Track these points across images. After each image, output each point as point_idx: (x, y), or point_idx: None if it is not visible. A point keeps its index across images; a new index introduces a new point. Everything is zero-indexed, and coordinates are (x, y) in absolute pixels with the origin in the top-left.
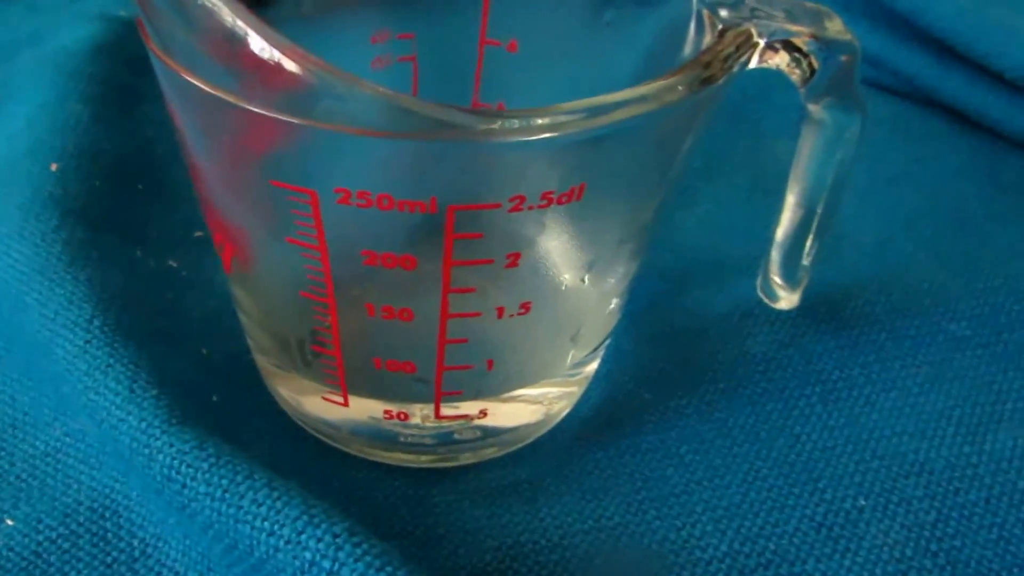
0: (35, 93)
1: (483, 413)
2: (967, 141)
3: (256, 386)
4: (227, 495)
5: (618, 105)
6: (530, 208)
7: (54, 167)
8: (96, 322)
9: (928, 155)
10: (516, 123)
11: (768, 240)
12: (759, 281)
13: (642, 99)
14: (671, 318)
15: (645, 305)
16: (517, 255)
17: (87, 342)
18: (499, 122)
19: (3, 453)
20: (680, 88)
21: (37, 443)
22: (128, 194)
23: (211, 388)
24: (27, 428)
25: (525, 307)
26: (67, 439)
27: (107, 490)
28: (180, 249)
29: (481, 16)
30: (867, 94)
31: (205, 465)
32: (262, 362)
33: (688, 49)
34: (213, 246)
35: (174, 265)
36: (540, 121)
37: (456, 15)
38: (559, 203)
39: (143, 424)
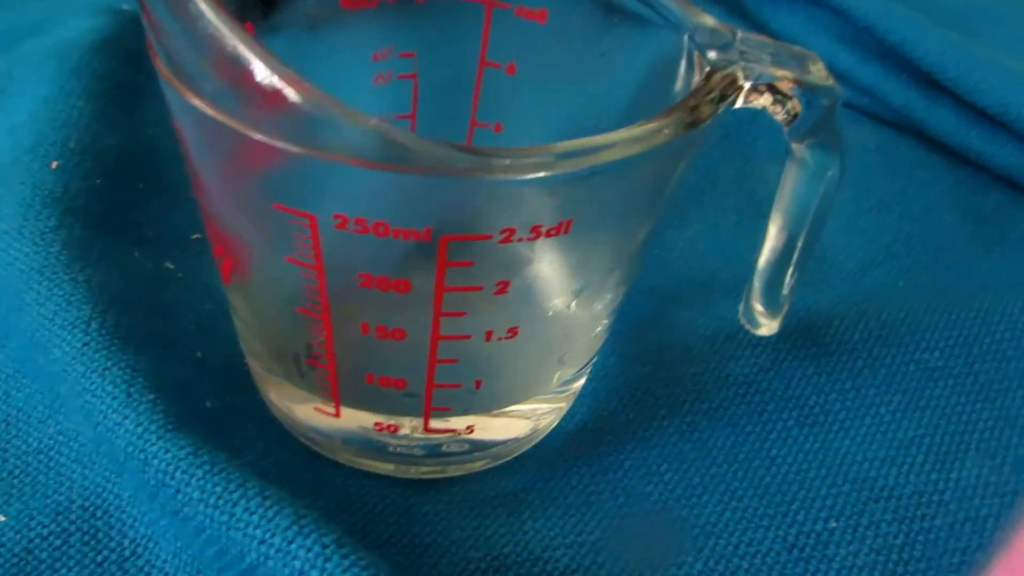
0: (37, 87)
1: (471, 428)
2: (951, 172)
3: (248, 391)
4: (220, 502)
5: (606, 147)
6: (520, 240)
7: (54, 165)
8: (94, 324)
9: (912, 185)
10: (507, 162)
11: (755, 263)
12: (741, 307)
13: (630, 141)
14: (657, 337)
15: (632, 323)
16: (506, 283)
17: (85, 344)
18: (490, 161)
19: None
20: (667, 131)
21: (30, 440)
22: (127, 193)
23: (204, 393)
24: (20, 425)
25: (513, 331)
26: (60, 437)
27: (99, 489)
28: (176, 251)
29: (482, 39)
30: (856, 122)
31: (200, 472)
32: (255, 367)
33: (679, 84)
34: (209, 248)
35: (170, 267)
36: (530, 161)
37: (457, 36)
38: (548, 235)
39: (139, 429)
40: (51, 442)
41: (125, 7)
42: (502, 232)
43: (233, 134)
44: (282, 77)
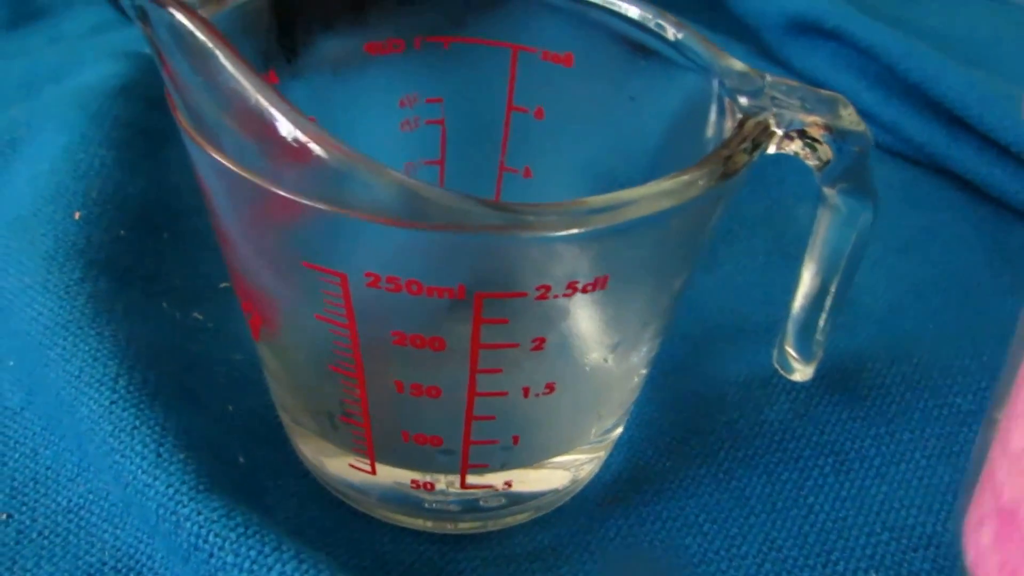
0: (57, 135)
1: (508, 483)
2: (975, 210)
3: (280, 445)
4: (255, 567)
5: (640, 200)
6: (556, 296)
7: (77, 215)
8: (121, 381)
9: (937, 223)
10: (531, 219)
11: (786, 306)
12: (775, 352)
13: (664, 194)
14: (691, 384)
15: (666, 370)
16: (543, 339)
17: (112, 402)
18: (517, 217)
19: (25, 509)
20: (701, 183)
21: (60, 499)
22: (152, 243)
23: (236, 448)
24: (49, 483)
25: (550, 387)
26: (91, 496)
27: (131, 550)
28: (205, 300)
29: (508, 83)
30: (879, 160)
31: (233, 535)
32: (287, 421)
33: (710, 130)
34: (238, 299)
35: (199, 317)
36: (557, 217)
37: (484, 81)
38: (584, 291)
39: (170, 490)
40: (81, 500)
41: (146, 50)
42: (538, 289)
43: (257, 190)
44: (306, 132)
